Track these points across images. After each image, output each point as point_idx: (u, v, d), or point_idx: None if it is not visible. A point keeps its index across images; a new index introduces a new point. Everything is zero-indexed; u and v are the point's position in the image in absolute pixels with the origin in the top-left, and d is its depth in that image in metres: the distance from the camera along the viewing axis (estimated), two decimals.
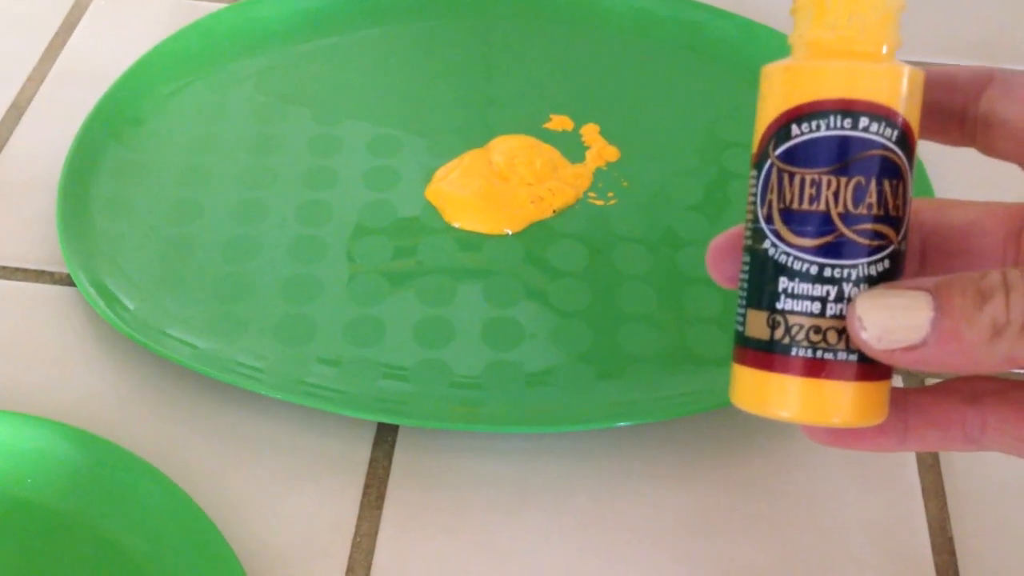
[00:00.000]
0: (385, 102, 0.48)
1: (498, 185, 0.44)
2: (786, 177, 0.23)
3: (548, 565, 0.34)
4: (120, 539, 0.33)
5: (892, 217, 0.22)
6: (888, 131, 0.22)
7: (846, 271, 0.22)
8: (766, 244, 0.23)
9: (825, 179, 0.22)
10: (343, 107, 0.48)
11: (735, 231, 0.25)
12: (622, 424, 0.36)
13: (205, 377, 0.38)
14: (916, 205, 0.25)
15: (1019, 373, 0.34)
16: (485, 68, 0.50)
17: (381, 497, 0.36)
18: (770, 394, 0.23)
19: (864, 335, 0.22)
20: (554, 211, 0.44)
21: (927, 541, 0.35)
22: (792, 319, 0.23)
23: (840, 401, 0.23)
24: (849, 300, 0.22)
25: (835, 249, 0.22)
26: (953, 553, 0.34)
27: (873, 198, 0.22)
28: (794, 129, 0.23)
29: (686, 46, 0.51)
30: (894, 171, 0.22)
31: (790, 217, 0.23)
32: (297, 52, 0.50)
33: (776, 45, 0.49)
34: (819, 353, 0.22)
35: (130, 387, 0.38)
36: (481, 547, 0.35)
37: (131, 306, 0.39)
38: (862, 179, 0.22)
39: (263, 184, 0.44)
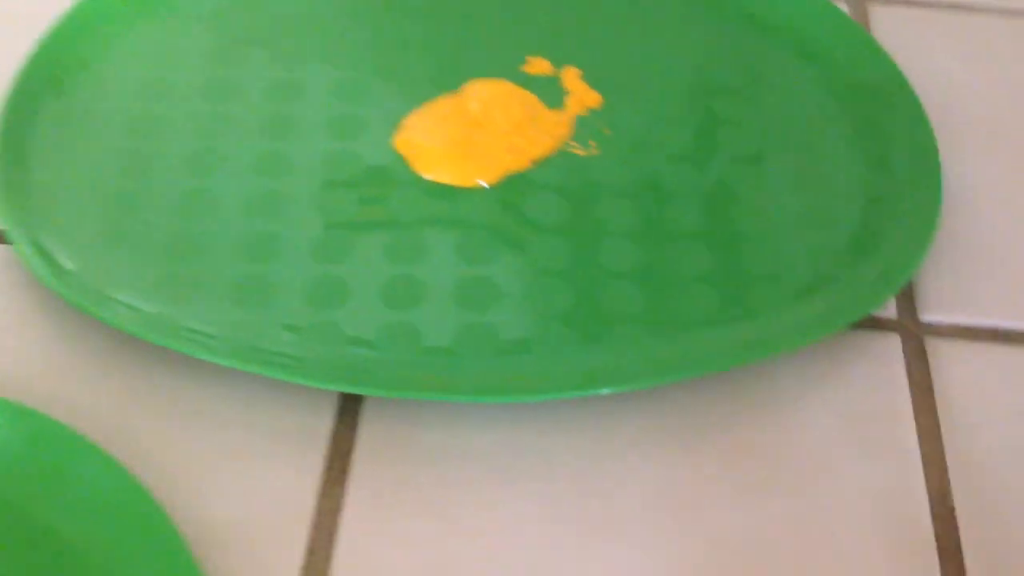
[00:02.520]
0: (350, 44, 0.46)
1: (472, 134, 0.42)
2: None
3: (528, 542, 0.33)
4: (57, 523, 0.31)
5: None
6: None
7: None
8: None
9: None
10: (305, 49, 0.46)
11: None
12: (606, 391, 0.35)
13: (152, 344, 0.36)
14: None
15: None
16: (458, 5, 0.48)
17: (344, 472, 0.34)
18: None
19: None
20: (532, 161, 0.42)
21: (928, 511, 0.34)
22: None
23: None
24: None
25: None
26: (956, 525, 0.34)
27: None
28: None
29: None
30: None
31: None
32: None
33: None
34: None
35: (68, 355, 0.37)
36: (454, 524, 0.33)
37: (71, 266, 0.37)
38: None
39: (217, 133, 0.42)
